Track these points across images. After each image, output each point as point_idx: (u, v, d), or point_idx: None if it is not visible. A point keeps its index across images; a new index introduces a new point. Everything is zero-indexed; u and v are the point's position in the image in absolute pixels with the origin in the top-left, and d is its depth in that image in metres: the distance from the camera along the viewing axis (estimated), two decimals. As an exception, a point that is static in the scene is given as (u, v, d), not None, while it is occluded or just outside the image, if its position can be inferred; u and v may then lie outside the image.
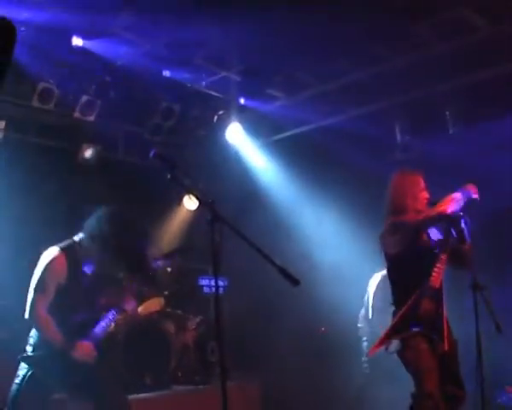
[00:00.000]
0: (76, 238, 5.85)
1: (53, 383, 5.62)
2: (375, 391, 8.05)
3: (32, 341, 5.61)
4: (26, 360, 5.53)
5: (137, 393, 7.79)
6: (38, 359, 5.50)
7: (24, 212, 8.33)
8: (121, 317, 6.44)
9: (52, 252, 5.69)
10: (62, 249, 5.70)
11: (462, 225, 5.70)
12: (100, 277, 5.95)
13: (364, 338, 8.80)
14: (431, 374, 5.60)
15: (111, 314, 5.94)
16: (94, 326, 5.77)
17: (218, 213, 3.91)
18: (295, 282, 3.76)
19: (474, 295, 5.38)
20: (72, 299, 5.68)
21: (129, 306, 6.15)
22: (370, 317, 8.73)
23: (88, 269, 5.85)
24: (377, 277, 8.70)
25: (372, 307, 8.74)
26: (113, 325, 6.05)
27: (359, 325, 8.98)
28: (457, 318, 5.90)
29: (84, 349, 5.60)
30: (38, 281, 5.59)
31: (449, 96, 8.89)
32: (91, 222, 5.85)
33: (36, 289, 5.57)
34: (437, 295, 5.71)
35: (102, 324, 5.84)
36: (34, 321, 5.57)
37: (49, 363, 5.46)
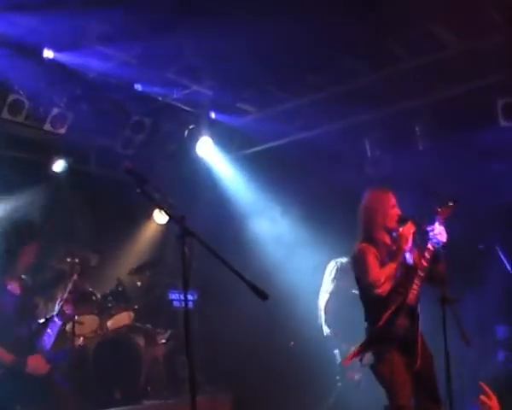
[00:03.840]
0: None
1: (11, 402, 5.56)
2: (347, 404, 8.09)
3: None
4: None
5: (107, 408, 7.75)
6: None
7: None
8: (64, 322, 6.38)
9: None
10: None
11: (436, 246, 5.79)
12: (29, 290, 5.91)
13: (336, 351, 8.84)
14: (404, 388, 5.62)
15: (54, 322, 5.87)
16: (40, 337, 5.71)
17: (188, 227, 3.90)
18: (264, 296, 3.77)
19: (442, 309, 5.41)
20: (9, 317, 5.62)
21: (68, 310, 6.09)
22: (325, 334, 8.84)
23: (11, 287, 5.78)
24: (324, 295, 8.86)
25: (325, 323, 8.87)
26: (58, 331, 5.99)
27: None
28: (427, 331, 5.93)
29: (36, 363, 5.54)
30: None
31: (419, 112, 8.96)
32: None
33: None
34: (413, 312, 5.74)
35: (49, 333, 5.78)
36: None
37: (5, 384, 5.39)
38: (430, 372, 5.85)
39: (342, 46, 7.66)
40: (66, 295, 6.14)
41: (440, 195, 6.25)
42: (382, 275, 5.74)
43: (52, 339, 5.85)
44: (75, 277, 6.30)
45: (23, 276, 6.00)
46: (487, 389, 3.88)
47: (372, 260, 5.83)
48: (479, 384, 3.94)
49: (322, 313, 8.93)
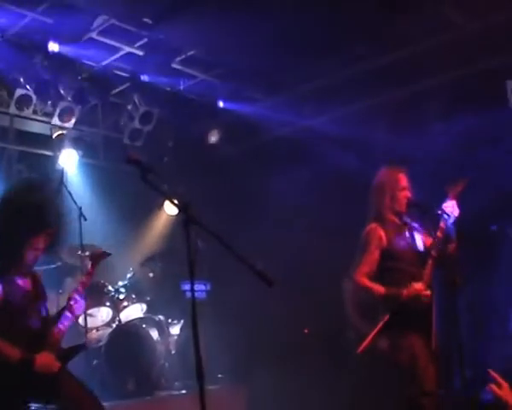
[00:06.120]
0: None
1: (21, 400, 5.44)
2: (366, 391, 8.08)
3: None
4: None
5: (120, 399, 7.76)
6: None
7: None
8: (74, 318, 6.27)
9: None
10: None
11: (448, 224, 5.72)
12: (40, 283, 5.83)
13: None
14: (428, 372, 5.56)
15: (66, 316, 5.76)
16: (49, 333, 5.59)
17: (194, 216, 3.86)
18: (269, 283, 3.73)
19: (453, 292, 5.36)
20: (19, 311, 5.51)
21: (78, 307, 5.96)
22: None
23: (22, 282, 5.67)
24: None
25: None
26: (67, 326, 5.87)
27: None
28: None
29: (45, 361, 5.39)
30: None
31: (432, 93, 8.90)
32: None
33: None
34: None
35: (59, 329, 5.66)
36: None
37: (13, 382, 5.28)
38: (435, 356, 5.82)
39: (355, 29, 7.60)
40: (76, 290, 6.07)
41: (452, 177, 6.17)
42: (365, 279, 5.77)
43: (62, 334, 5.76)
44: (88, 270, 6.21)
45: (34, 269, 5.89)
46: (497, 377, 3.82)
47: (371, 254, 5.81)
48: (488, 373, 3.88)
49: None
